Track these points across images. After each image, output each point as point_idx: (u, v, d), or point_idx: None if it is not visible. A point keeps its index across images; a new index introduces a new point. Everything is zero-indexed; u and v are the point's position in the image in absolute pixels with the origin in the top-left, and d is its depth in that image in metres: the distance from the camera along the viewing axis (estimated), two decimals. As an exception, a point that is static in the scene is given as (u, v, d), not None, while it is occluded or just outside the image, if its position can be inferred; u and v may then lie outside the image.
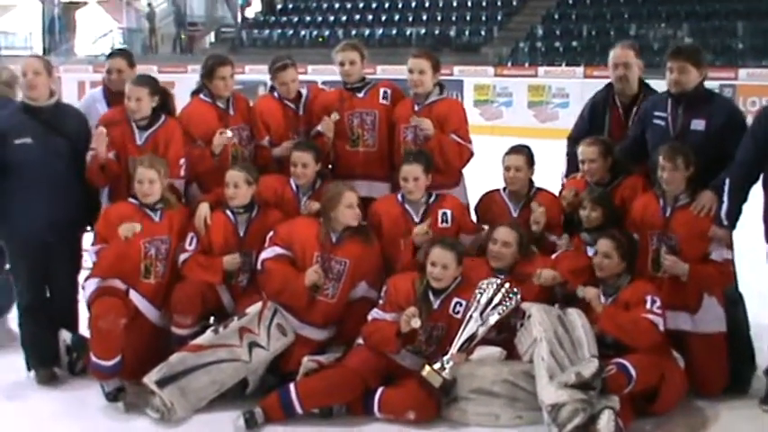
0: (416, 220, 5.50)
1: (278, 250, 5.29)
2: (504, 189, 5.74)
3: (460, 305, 5.07)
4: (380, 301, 5.19)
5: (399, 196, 5.57)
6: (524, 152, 5.64)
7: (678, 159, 5.15)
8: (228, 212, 5.49)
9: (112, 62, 6.13)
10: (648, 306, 4.90)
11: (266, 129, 5.93)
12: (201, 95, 5.91)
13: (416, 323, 4.90)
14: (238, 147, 5.87)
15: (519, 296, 5.00)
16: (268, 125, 5.93)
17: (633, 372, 4.78)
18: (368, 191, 5.77)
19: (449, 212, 5.50)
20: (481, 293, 4.99)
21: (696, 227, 5.14)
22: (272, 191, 5.64)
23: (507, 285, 5.01)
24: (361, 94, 5.94)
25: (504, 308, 4.96)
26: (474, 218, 5.80)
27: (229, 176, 5.43)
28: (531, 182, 5.69)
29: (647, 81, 5.90)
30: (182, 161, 5.65)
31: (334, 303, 5.35)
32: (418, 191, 5.47)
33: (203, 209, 5.49)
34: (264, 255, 5.31)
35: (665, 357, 4.97)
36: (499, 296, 4.96)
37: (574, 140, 5.89)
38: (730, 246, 5.24)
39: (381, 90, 5.95)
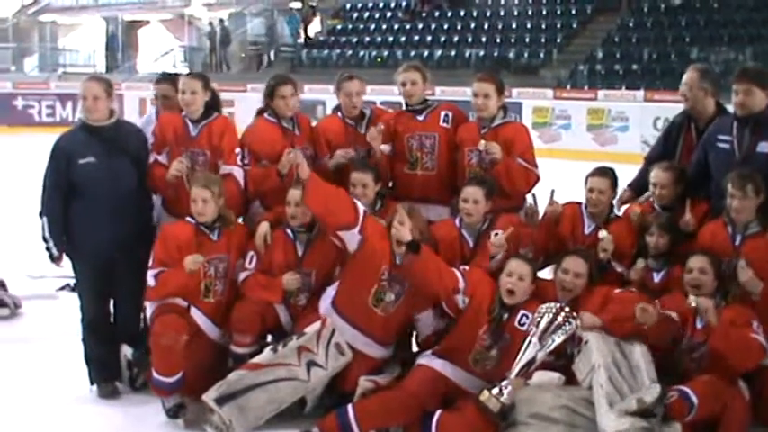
0: (471, 245, 5.50)
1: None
2: (586, 206, 5.69)
3: (527, 317, 5.05)
4: (461, 282, 5.12)
5: (457, 221, 5.57)
6: (609, 174, 5.61)
7: (748, 187, 5.08)
8: (289, 231, 5.52)
9: (158, 88, 6.22)
10: (755, 328, 4.80)
11: (328, 147, 5.96)
12: (266, 115, 5.95)
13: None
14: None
15: (578, 321, 4.95)
16: (330, 143, 5.96)
17: (695, 399, 4.70)
18: (426, 214, 5.75)
19: (499, 232, 5.43)
20: (540, 318, 4.96)
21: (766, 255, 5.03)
22: None
23: (567, 310, 4.97)
24: (421, 117, 5.95)
25: (564, 332, 4.91)
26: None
27: (291, 195, 5.44)
28: (611, 205, 5.66)
29: (725, 105, 5.85)
30: (237, 150, 5.73)
31: (387, 318, 5.30)
32: (477, 214, 5.46)
33: (263, 228, 5.52)
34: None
35: (729, 386, 4.87)
36: (558, 320, 4.92)
37: (648, 161, 5.87)
38: None
39: (442, 113, 5.95)
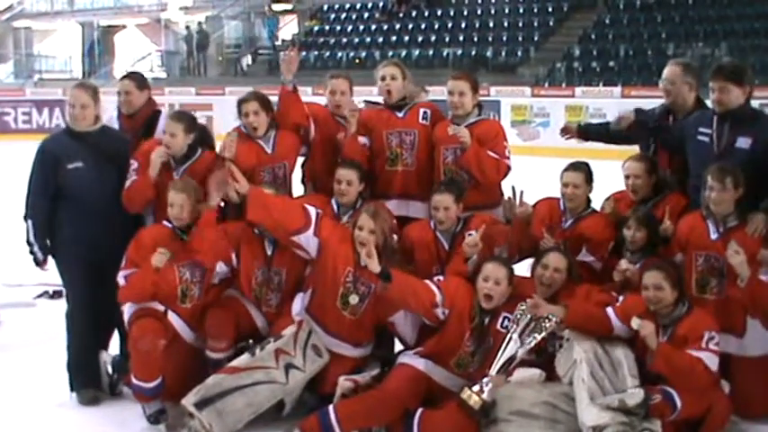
0: (447, 247, 5.51)
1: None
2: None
3: (508, 320, 5.05)
4: (437, 296, 5.11)
5: (432, 223, 5.56)
6: (583, 169, 5.61)
7: (727, 180, 5.08)
8: (257, 230, 5.45)
9: (121, 84, 6.14)
10: (704, 343, 4.79)
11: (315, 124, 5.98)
12: (243, 126, 5.86)
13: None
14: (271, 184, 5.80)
15: (558, 317, 4.96)
16: (317, 122, 5.98)
17: (679, 402, 4.74)
18: (406, 210, 5.79)
19: (474, 232, 5.42)
20: (520, 315, 4.98)
21: (747, 249, 5.00)
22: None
23: (533, 300, 4.97)
24: (401, 114, 5.94)
25: (544, 329, 4.93)
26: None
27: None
28: (588, 200, 5.65)
29: (705, 100, 5.87)
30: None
31: (357, 320, 5.31)
32: (448, 220, 5.46)
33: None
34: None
35: (713, 386, 4.89)
36: (538, 318, 4.93)
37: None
38: None
39: (421, 110, 5.94)
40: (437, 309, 5.10)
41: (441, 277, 5.27)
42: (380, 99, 6.04)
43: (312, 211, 5.28)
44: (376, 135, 5.90)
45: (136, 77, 6.23)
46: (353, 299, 5.27)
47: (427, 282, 5.17)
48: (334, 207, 5.67)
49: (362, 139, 5.88)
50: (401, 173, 5.89)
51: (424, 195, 5.78)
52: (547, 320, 4.92)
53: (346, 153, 5.86)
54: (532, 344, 4.92)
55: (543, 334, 4.92)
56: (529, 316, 4.95)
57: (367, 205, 5.39)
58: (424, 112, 5.94)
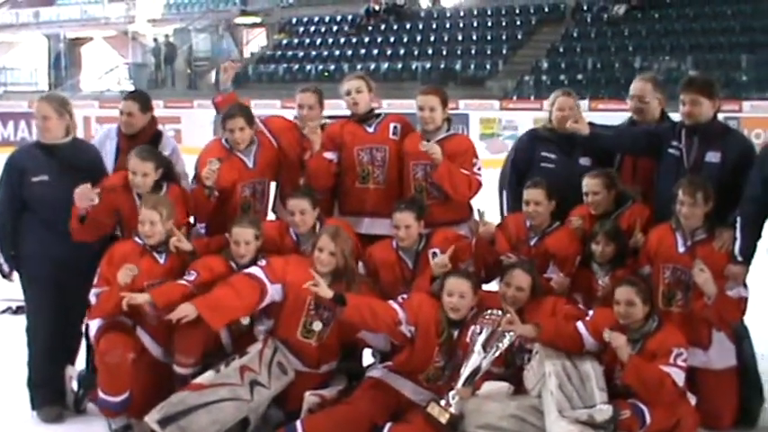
0: (411, 266, 5.48)
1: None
2: None
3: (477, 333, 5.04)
4: (400, 314, 5.07)
5: (394, 243, 5.52)
6: (543, 185, 5.57)
7: (698, 195, 5.10)
8: (233, 264, 5.37)
9: (124, 104, 5.94)
10: (672, 359, 4.80)
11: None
12: (224, 139, 5.81)
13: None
14: (250, 199, 5.81)
15: (510, 318, 4.93)
16: (280, 137, 5.94)
17: (648, 417, 4.75)
18: (378, 228, 5.72)
19: (438, 251, 5.41)
20: (482, 326, 4.97)
21: (714, 263, 5.04)
22: (271, 240, 5.51)
23: (508, 315, 4.96)
24: (371, 129, 5.88)
25: (508, 339, 4.91)
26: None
27: (238, 235, 5.32)
28: (552, 215, 5.60)
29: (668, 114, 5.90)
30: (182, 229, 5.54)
31: (322, 345, 5.29)
32: (410, 238, 5.42)
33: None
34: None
35: (681, 402, 4.91)
36: (501, 327, 4.92)
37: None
38: (746, 283, 5.17)
39: (391, 125, 5.89)
40: (401, 327, 5.06)
41: (405, 296, 5.23)
42: (343, 113, 5.99)
43: (255, 270, 5.19)
44: (346, 151, 5.83)
45: (140, 98, 6.00)
46: (317, 326, 5.23)
47: (389, 301, 5.13)
48: (293, 236, 5.58)
49: (330, 155, 5.80)
50: (373, 191, 5.83)
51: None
52: (510, 331, 4.91)
53: (312, 170, 5.79)
54: (496, 354, 4.91)
55: (506, 344, 4.91)
56: (490, 327, 4.94)
57: (327, 226, 5.36)
58: (395, 127, 5.89)
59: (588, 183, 5.56)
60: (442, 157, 5.56)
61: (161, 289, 5.12)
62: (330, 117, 6.10)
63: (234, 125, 5.70)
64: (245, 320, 5.30)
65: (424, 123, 5.76)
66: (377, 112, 6.00)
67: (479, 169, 5.78)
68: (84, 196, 5.27)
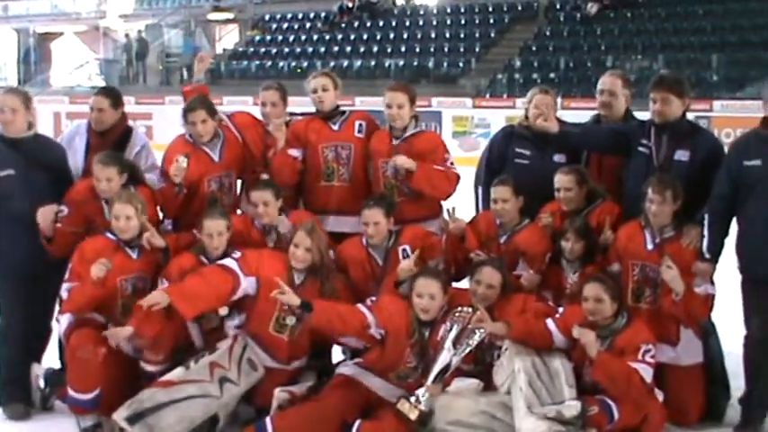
0: (380, 263, 5.48)
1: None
2: None
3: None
4: (368, 318, 5.06)
5: (364, 240, 5.51)
6: (509, 183, 5.57)
7: (667, 193, 5.13)
8: (204, 259, 5.36)
9: (94, 100, 5.89)
10: (641, 355, 4.83)
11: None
12: (187, 135, 5.79)
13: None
14: (217, 193, 5.78)
15: (480, 315, 4.94)
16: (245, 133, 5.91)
17: (616, 412, 4.79)
18: (343, 226, 5.71)
19: (408, 248, 5.43)
20: (452, 323, 4.97)
21: (682, 260, 5.08)
22: (237, 233, 5.49)
23: (478, 313, 4.97)
24: (336, 127, 5.86)
25: (478, 336, 4.92)
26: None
27: (211, 227, 5.30)
28: (520, 212, 5.60)
29: (633, 112, 5.94)
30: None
31: (294, 340, 5.28)
32: (378, 235, 5.42)
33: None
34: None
35: (648, 398, 4.94)
36: (471, 325, 4.93)
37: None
38: (713, 280, 5.20)
39: (357, 123, 5.88)
40: (370, 330, 5.06)
41: (373, 298, 5.23)
42: (312, 109, 5.97)
43: (228, 262, 5.19)
44: (311, 149, 5.82)
45: (111, 94, 5.96)
46: (291, 320, 5.23)
47: (358, 305, 5.13)
48: (258, 227, 5.58)
49: (294, 152, 5.79)
50: (337, 188, 5.82)
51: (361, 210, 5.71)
52: (480, 328, 4.92)
53: (276, 167, 5.76)
54: (466, 351, 4.92)
55: (476, 341, 4.92)
56: (460, 324, 4.94)
57: (303, 222, 5.34)
58: (360, 125, 5.88)
59: (560, 178, 5.57)
60: (415, 165, 5.56)
61: (140, 317, 5.05)
62: (301, 114, 6.08)
63: (195, 117, 5.68)
64: (224, 311, 5.28)
65: (392, 120, 5.76)
66: (342, 109, 5.98)
67: (452, 163, 5.79)
68: (46, 217, 5.28)
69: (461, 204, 5.68)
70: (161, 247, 5.32)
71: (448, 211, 5.48)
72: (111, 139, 5.82)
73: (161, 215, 5.72)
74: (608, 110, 5.90)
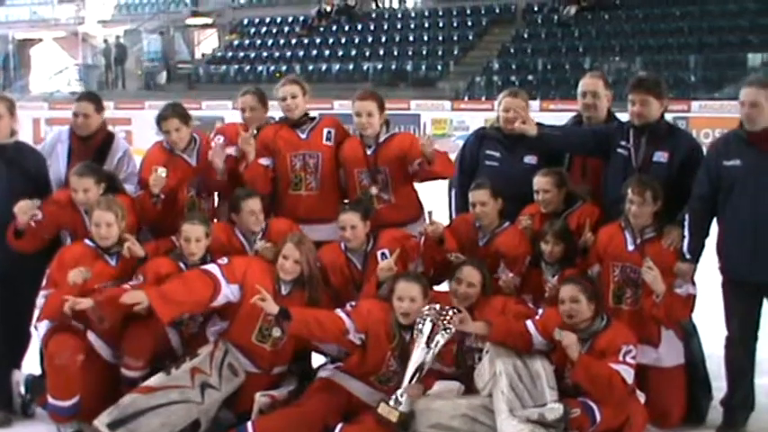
0: (359, 267, 5.47)
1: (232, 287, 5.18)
2: None
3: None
4: (347, 323, 5.04)
5: (342, 245, 5.50)
6: (486, 186, 5.57)
7: (647, 194, 5.15)
8: (182, 264, 5.34)
9: (79, 106, 5.87)
10: (621, 356, 4.84)
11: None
12: (164, 142, 5.77)
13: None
14: (195, 198, 5.77)
15: (462, 316, 4.96)
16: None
17: (598, 414, 4.80)
18: (312, 235, 5.58)
19: (387, 251, 5.42)
20: (423, 321, 4.96)
21: (663, 261, 5.10)
22: (218, 241, 5.47)
23: (448, 309, 4.98)
24: (304, 135, 5.83)
25: (449, 331, 4.92)
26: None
27: (189, 232, 5.29)
28: (500, 215, 5.60)
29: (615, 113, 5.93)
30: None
31: (277, 350, 5.27)
32: (356, 239, 5.41)
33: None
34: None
35: (630, 400, 4.96)
36: (442, 321, 4.92)
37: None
38: (694, 281, 5.21)
39: (325, 130, 5.85)
40: (349, 336, 5.04)
41: (353, 303, 5.22)
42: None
43: (211, 267, 5.17)
44: (279, 158, 5.79)
45: (94, 99, 5.97)
46: (276, 332, 5.19)
47: (336, 311, 5.11)
48: (239, 236, 5.57)
49: (265, 161, 5.77)
50: (305, 197, 5.79)
51: (330, 218, 5.63)
52: (452, 321, 4.92)
53: (249, 178, 5.72)
54: (439, 347, 4.91)
55: (447, 336, 4.92)
56: (431, 321, 4.94)
57: (292, 234, 5.32)
58: (328, 132, 5.86)
59: (539, 181, 5.58)
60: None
61: (106, 293, 5.05)
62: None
63: (169, 126, 5.68)
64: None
65: (362, 129, 5.74)
66: (312, 115, 5.95)
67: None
68: (25, 211, 5.23)
69: (438, 208, 5.68)
70: (140, 256, 5.30)
71: (429, 213, 5.48)
72: (94, 145, 5.81)
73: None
74: (592, 111, 5.88)
